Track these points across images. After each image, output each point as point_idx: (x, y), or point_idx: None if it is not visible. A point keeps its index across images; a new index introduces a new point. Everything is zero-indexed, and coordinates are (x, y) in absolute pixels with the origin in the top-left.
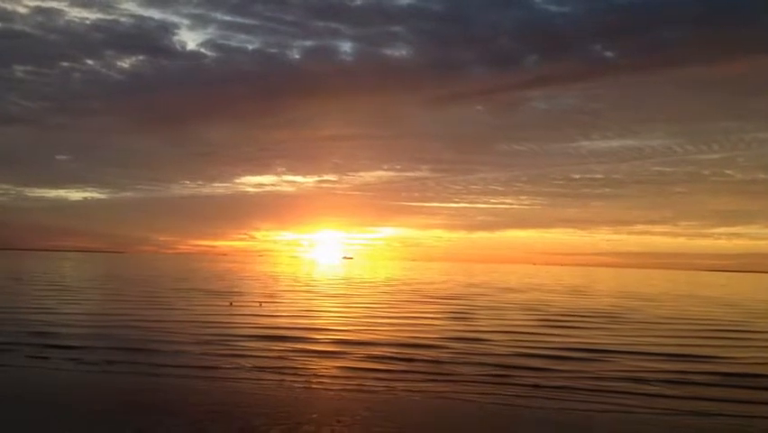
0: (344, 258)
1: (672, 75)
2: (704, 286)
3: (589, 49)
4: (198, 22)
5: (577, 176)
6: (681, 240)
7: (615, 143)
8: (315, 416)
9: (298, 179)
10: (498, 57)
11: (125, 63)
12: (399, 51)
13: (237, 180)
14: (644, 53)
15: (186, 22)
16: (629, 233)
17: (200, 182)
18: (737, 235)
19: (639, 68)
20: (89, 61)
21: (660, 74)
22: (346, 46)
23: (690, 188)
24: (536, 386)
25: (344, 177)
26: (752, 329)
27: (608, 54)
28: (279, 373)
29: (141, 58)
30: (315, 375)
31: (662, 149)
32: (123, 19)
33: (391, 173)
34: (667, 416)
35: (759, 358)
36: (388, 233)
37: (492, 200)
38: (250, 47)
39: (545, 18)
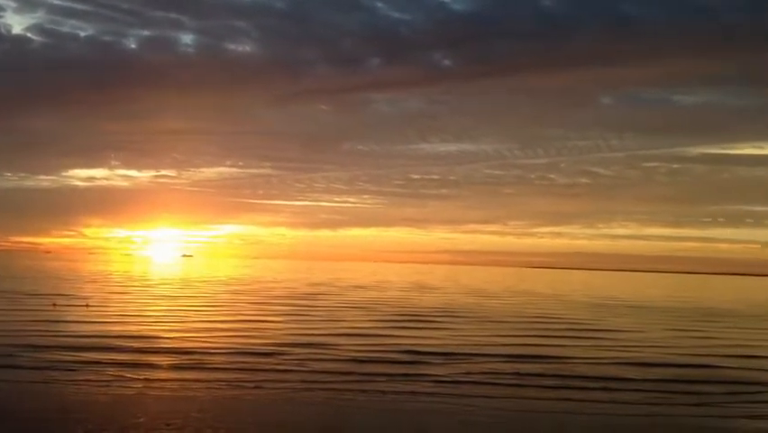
0: (183, 256)
1: (504, 84)
2: (535, 283)
3: (430, 56)
4: (26, 5)
5: (416, 177)
6: (510, 239)
7: (452, 147)
8: (142, 420)
9: (133, 173)
10: (342, 58)
11: None
12: (243, 47)
13: (65, 173)
14: (480, 63)
15: (12, 4)
16: (464, 231)
17: (23, 174)
18: (559, 235)
19: (475, 76)
20: None
21: (492, 83)
22: (187, 38)
23: (519, 191)
24: (383, 391)
25: (184, 172)
26: (591, 328)
27: (447, 62)
28: (106, 381)
29: None
30: (144, 383)
31: (494, 153)
32: None
33: (234, 170)
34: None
35: (598, 358)
36: (230, 230)
37: (335, 199)
38: (82, 34)
39: (388, 23)
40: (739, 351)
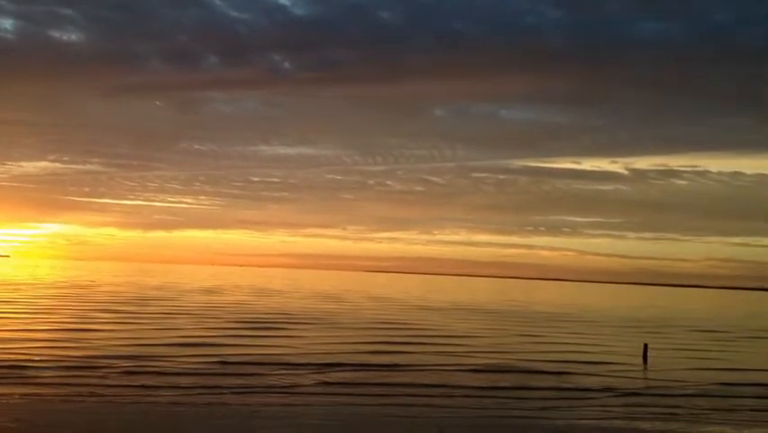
0: None
1: (343, 91)
2: (374, 286)
3: (269, 58)
4: None
5: (256, 179)
6: (349, 243)
7: (292, 150)
8: None
9: None
10: (177, 54)
11: None
12: (69, 36)
13: None
14: (319, 68)
15: None
16: (303, 235)
17: None
18: (395, 240)
19: (314, 81)
20: None
21: (332, 89)
22: (7, 23)
23: (358, 196)
24: (193, 403)
25: (0, 166)
26: (438, 333)
27: (287, 65)
28: None
29: None
30: None
31: (334, 158)
32: None
33: (57, 165)
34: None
35: (448, 365)
36: (53, 229)
37: (170, 199)
38: None
39: (226, 22)
40: (581, 356)
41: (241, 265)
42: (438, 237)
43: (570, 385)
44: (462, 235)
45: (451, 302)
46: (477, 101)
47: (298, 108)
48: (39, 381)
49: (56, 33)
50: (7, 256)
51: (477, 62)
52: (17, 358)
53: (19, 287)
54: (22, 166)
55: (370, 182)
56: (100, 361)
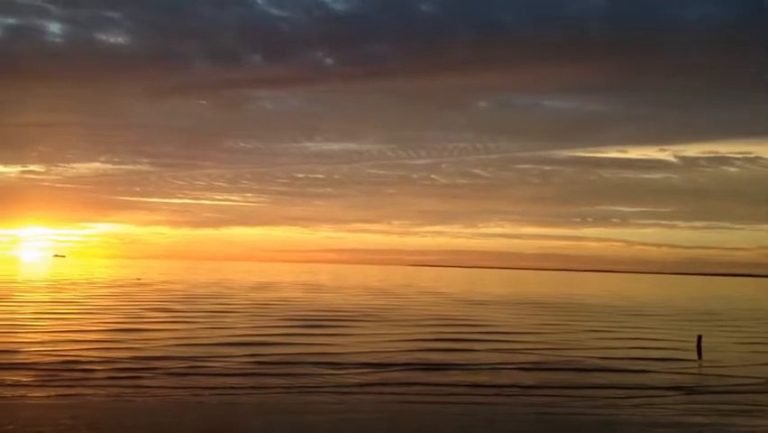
0: (55, 256)
1: (384, 85)
2: (425, 281)
3: (311, 54)
4: None
5: (301, 175)
6: (393, 237)
7: (335, 146)
8: (11, 427)
9: None
10: (221, 53)
11: None
12: (116, 38)
13: None
14: (361, 63)
15: None
16: (348, 230)
17: None
18: (440, 234)
19: (356, 76)
20: None
21: (374, 84)
22: (55, 27)
23: (401, 190)
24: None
25: (54, 168)
26: (509, 330)
27: (329, 61)
28: None
29: None
30: (8, 399)
31: (378, 153)
32: None
33: (108, 166)
34: None
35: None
36: (105, 229)
37: (217, 197)
38: None
39: (267, 20)
40: (636, 352)
41: (287, 261)
42: (483, 230)
43: (624, 382)
44: (508, 228)
45: (498, 296)
46: (519, 92)
47: (341, 104)
48: (91, 382)
49: (102, 36)
50: (63, 256)
51: (518, 53)
52: (71, 359)
53: (75, 287)
54: (74, 168)
55: (414, 176)
56: (151, 362)
